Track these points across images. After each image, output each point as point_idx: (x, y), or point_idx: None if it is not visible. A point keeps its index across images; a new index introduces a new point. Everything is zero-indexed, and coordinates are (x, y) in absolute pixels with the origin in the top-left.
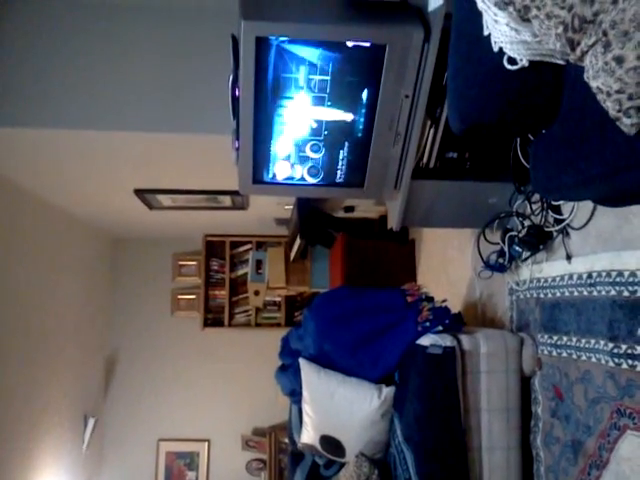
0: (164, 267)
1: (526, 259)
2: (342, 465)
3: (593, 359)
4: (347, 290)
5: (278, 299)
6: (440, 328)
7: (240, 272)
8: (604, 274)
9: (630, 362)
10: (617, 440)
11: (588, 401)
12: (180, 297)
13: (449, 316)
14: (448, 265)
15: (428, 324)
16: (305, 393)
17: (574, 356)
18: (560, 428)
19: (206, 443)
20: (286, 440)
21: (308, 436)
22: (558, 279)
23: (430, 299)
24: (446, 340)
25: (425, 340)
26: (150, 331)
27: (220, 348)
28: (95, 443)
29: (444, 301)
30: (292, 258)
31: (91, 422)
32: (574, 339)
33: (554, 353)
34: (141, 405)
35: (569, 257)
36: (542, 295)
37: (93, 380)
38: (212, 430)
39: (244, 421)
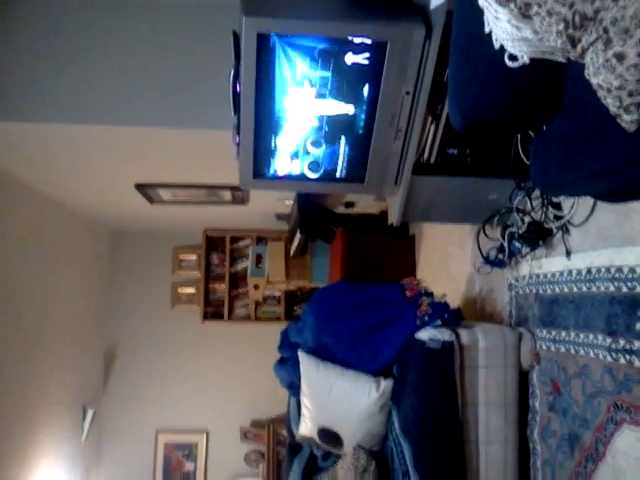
0: (164, 261)
1: (526, 255)
2: (339, 457)
3: (591, 354)
4: (346, 284)
5: (278, 293)
6: (439, 322)
7: (240, 266)
8: (603, 270)
9: (628, 357)
10: (613, 434)
11: (585, 395)
12: (180, 290)
13: (448, 311)
14: (448, 260)
15: (427, 318)
16: (304, 386)
17: (572, 351)
18: (557, 422)
19: (205, 434)
20: (284, 432)
21: (306, 428)
22: (557, 275)
23: (429, 294)
24: (445, 334)
25: (424, 334)
26: (150, 324)
27: (219, 341)
28: (94, 434)
29: (443, 296)
30: (292, 253)
31: (90, 413)
32: (572, 334)
33: (552, 348)
34: (140, 397)
35: (569, 253)
36: (541, 290)
37: (92, 372)
38: (211, 422)
39: (243, 413)
